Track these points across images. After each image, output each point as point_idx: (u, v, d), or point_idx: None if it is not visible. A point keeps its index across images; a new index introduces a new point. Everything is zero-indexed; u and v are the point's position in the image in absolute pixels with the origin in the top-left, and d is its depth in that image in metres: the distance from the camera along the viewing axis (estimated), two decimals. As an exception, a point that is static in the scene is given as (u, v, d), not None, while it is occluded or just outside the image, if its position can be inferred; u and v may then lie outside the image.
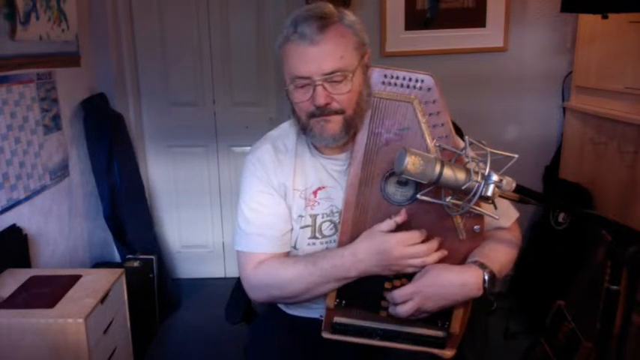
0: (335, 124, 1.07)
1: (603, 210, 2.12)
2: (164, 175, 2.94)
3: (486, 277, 1.05)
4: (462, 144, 1.10)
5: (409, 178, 0.97)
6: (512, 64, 2.60)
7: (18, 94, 1.88)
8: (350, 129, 1.08)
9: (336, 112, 1.06)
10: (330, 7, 1.06)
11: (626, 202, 1.97)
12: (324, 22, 1.02)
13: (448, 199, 1.02)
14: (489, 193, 0.94)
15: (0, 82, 1.77)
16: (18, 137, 1.87)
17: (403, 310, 1.06)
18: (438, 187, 1.00)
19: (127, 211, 2.50)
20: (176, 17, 2.74)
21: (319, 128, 1.08)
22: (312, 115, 1.07)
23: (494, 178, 0.94)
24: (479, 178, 0.95)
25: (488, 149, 0.98)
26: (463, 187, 0.96)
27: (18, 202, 1.86)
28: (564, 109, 2.54)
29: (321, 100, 1.03)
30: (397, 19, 2.54)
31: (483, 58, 2.59)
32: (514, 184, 0.97)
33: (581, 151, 2.35)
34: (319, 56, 1.02)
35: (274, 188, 1.18)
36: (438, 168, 0.96)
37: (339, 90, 1.04)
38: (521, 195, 1.00)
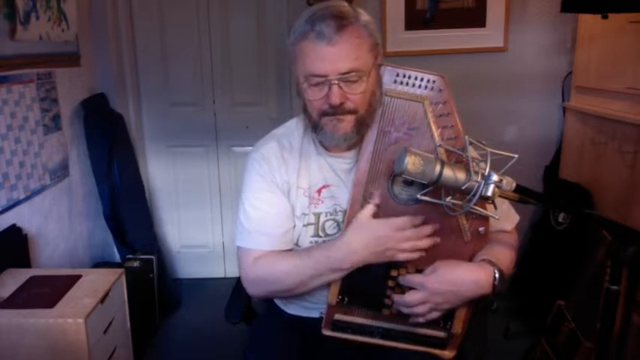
0: (347, 123, 1.07)
1: (603, 210, 2.12)
2: (164, 175, 2.94)
3: (497, 275, 1.06)
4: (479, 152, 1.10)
5: (409, 178, 0.97)
6: (512, 64, 2.60)
7: (18, 94, 1.88)
8: (361, 128, 1.09)
9: (350, 112, 1.06)
10: (346, 6, 1.06)
11: (626, 202, 1.97)
12: (341, 22, 1.02)
13: (448, 199, 1.02)
14: (489, 193, 0.94)
15: (0, 82, 1.78)
16: (18, 137, 1.87)
17: (418, 311, 1.07)
18: (438, 187, 1.00)
19: (127, 211, 2.50)
20: (176, 17, 2.74)
21: (331, 127, 1.08)
22: (324, 114, 1.07)
23: (495, 178, 0.94)
24: (479, 178, 0.95)
25: (489, 149, 0.98)
26: (463, 187, 0.96)
27: (18, 202, 1.86)
28: (564, 109, 2.54)
29: (336, 100, 1.04)
30: (397, 19, 2.54)
31: (483, 58, 2.59)
32: (514, 184, 0.97)
33: (581, 151, 2.35)
34: (336, 56, 1.02)
35: (277, 186, 1.18)
36: (437, 168, 0.96)
37: (354, 90, 1.05)
38: (521, 195, 1.00)
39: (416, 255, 1.08)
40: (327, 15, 1.03)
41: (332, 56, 1.02)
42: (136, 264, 2.36)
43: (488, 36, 2.56)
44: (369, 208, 1.08)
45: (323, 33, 1.01)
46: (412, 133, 1.10)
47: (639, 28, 1.95)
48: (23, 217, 1.90)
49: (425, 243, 1.07)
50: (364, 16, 1.07)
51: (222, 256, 3.05)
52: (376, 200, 1.08)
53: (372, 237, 1.06)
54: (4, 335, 1.45)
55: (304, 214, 1.18)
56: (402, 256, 1.07)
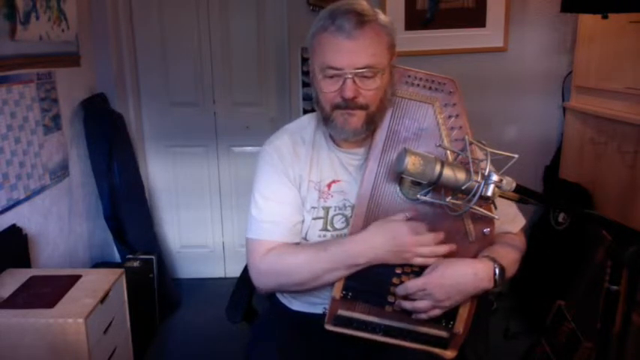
0: (358, 118, 1.10)
1: (603, 210, 2.12)
2: (164, 175, 2.94)
3: (497, 270, 1.07)
4: (479, 152, 1.10)
5: (409, 178, 0.98)
6: (512, 64, 2.60)
7: (18, 94, 1.88)
8: (371, 125, 1.11)
9: (361, 107, 1.08)
10: (366, 5, 1.09)
11: (626, 202, 1.97)
12: (362, 19, 1.05)
13: (449, 199, 1.02)
14: (489, 193, 0.95)
15: (0, 82, 1.78)
16: (18, 137, 1.87)
17: (420, 306, 1.08)
18: (439, 187, 1.00)
19: (127, 211, 2.50)
20: (176, 17, 2.74)
21: (342, 121, 1.11)
22: (336, 107, 1.10)
23: (495, 178, 0.95)
24: (479, 178, 0.95)
25: (489, 149, 0.98)
26: (463, 187, 0.97)
27: (18, 202, 1.86)
28: (564, 109, 2.54)
29: (349, 93, 1.06)
30: (397, 19, 2.54)
31: (483, 58, 2.59)
32: (514, 184, 0.97)
33: (581, 151, 2.35)
34: (354, 50, 1.05)
35: (289, 179, 1.20)
36: (437, 168, 0.96)
37: (368, 86, 1.07)
38: (521, 195, 1.00)
39: (432, 261, 1.08)
40: (349, 10, 1.05)
41: (350, 50, 1.05)
42: (136, 264, 2.36)
43: (488, 36, 2.56)
44: (400, 216, 1.10)
45: (343, 27, 1.04)
46: (421, 134, 1.12)
47: (639, 28, 1.95)
48: (23, 217, 1.90)
49: (443, 249, 1.09)
50: (383, 17, 1.10)
51: (222, 256, 3.05)
52: (410, 213, 1.10)
53: (392, 234, 1.07)
54: (4, 335, 1.45)
55: (314, 208, 1.19)
56: (419, 261, 1.08)
